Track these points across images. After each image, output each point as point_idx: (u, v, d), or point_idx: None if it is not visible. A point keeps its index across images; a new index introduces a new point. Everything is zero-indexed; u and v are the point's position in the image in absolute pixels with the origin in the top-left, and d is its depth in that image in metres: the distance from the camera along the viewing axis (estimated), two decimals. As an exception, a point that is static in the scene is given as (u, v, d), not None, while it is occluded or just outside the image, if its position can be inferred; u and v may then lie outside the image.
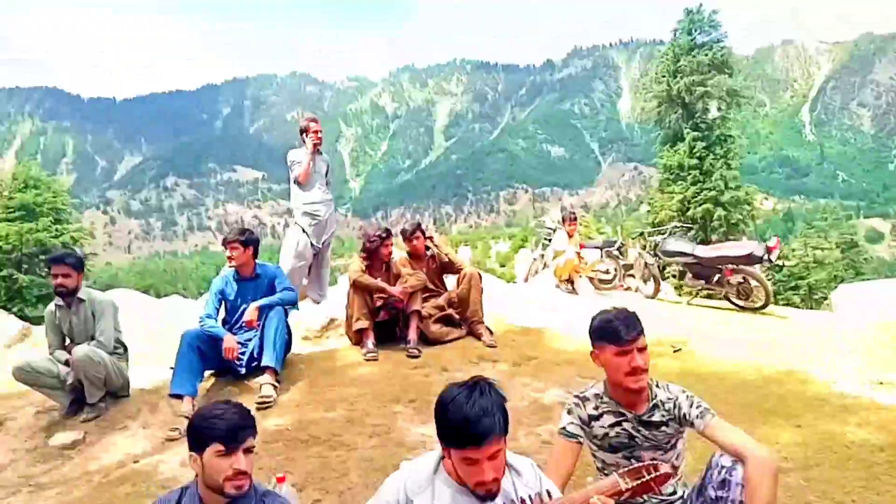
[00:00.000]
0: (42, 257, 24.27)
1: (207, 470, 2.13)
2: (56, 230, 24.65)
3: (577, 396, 2.70)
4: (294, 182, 7.13)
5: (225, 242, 5.29)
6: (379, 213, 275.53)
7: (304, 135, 7.10)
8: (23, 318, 12.84)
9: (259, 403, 4.55)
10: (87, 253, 27.18)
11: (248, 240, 5.24)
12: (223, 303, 5.33)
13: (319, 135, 7.10)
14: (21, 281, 23.13)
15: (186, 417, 4.54)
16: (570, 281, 9.84)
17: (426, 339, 5.71)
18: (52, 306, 5.00)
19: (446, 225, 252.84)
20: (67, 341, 5.00)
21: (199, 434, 2.16)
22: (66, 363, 4.81)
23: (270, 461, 3.71)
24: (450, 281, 6.64)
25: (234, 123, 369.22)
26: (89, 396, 4.76)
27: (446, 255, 6.37)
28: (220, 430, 2.12)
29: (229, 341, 4.89)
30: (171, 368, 5.43)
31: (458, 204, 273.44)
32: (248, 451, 2.18)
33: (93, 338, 4.86)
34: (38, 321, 13.58)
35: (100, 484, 3.81)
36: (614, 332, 2.51)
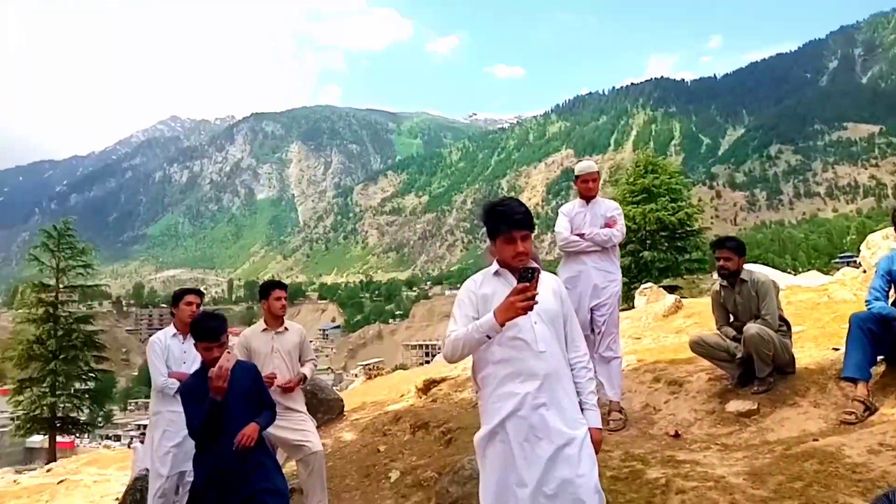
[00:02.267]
0: (662, 234, 27.10)
1: None
2: (672, 208, 27.08)
3: None
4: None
5: None
6: None
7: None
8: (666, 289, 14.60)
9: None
10: (698, 227, 28.91)
11: None
12: (891, 284, 4.87)
13: None
14: (645, 256, 26.32)
15: (862, 402, 4.36)
16: None
17: None
18: (716, 286, 5.52)
19: None
20: (731, 318, 5.43)
21: None
22: (734, 339, 5.23)
23: None
24: None
25: (843, 76, 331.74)
26: (758, 371, 5.06)
27: None
28: None
29: (906, 318, 4.44)
30: (834, 349, 5.30)
31: None
32: None
33: (756, 316, 5.14)
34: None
35: (783, 455, 4.00)
36: None
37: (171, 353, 4.50)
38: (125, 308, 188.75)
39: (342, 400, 8.30)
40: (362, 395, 10.26)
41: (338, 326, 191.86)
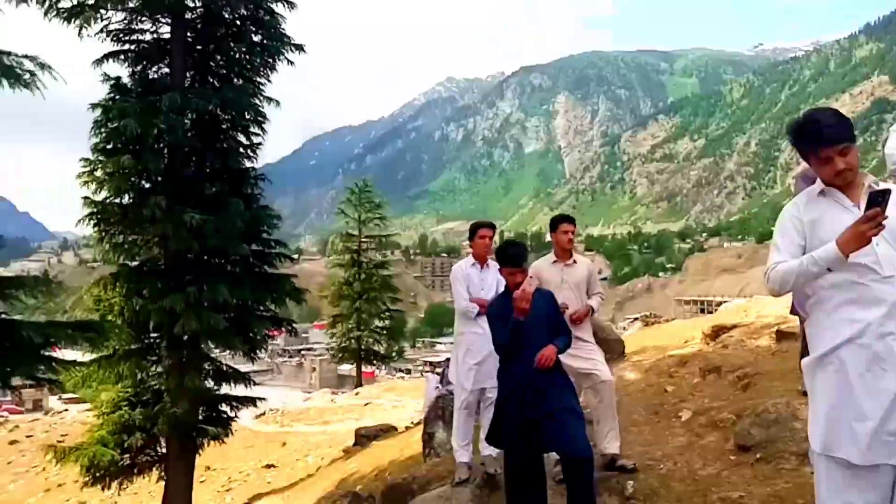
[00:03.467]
0: None
1: None
2: None
3: None
4: None
5: None
6: None
7: None
8: None
9: None
10: None
11: None
12: None
13: None
14: None
15: None
16: None
17: None
18: None
19: None
20: None
21: None
22: None
23: None
24: None
25: None
26: None
27: None
28: None
29: None
30: None
31: None
32: None
33: None
34: None
35: None
36: None
37: (471, 281, 4.86)
38: (412, 257, 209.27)
39: (623, 341, 8.22)
40: (640, 340, 10.05)
41: (605, 278, 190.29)
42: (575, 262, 4.74)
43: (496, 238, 5.40)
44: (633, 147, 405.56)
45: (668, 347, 8.16)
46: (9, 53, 5.03)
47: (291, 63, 13.82)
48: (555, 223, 4.77)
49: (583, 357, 4.43)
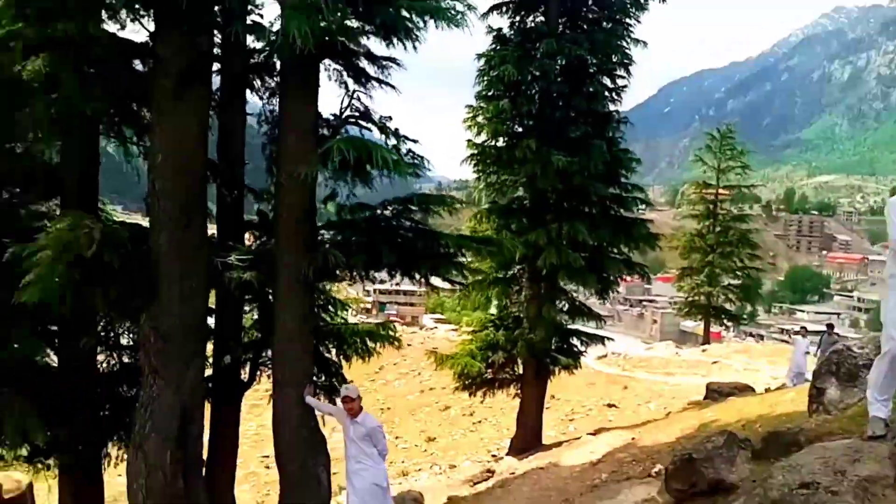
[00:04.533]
0: None
1: None
2: None
3: None
4: None
5: None
6: None
7: None
8: None
9: None
10: None
11: None
12: None
13: None
14: None
15: None
16: None
17: None
18: None
19: None
20: None
21: None
22: None
23: None
24: None
25: None
26: None
27: None
28: None
29: None
30: None
31: None
32: None
33: None
34: None
35: None
36: None
37: None
38: (774, 213, 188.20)
39: None
40: None
41: None
42: None
43: (885, 197, 4.47)
44: None
45: None
46: (443, -4, 5.87)
47: (664, 1, 13.33)
48: None
49: None
